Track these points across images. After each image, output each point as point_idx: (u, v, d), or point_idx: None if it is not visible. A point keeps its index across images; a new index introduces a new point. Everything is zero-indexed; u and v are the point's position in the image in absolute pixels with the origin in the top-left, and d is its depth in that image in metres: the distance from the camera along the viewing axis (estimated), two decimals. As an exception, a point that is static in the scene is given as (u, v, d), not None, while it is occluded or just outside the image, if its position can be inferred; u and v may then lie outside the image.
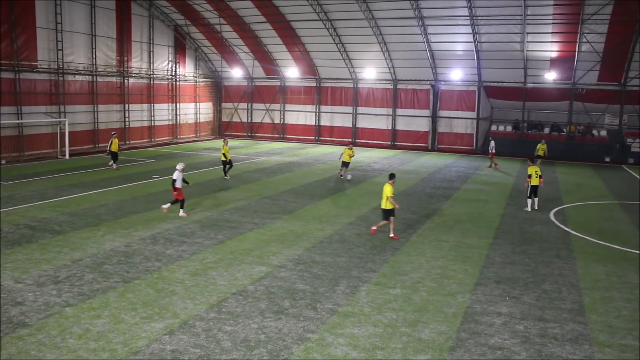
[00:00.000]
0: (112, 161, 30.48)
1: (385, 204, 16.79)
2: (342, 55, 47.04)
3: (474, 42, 42.25)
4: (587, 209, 23.07)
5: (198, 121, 52.12)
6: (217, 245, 15.58)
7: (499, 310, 11.46)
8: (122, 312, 10.72)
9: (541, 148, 35.93)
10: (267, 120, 53.66)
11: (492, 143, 36.43)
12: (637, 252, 16.45)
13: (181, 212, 19.37)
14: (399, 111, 48.72)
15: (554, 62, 42.61)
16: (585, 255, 15.94)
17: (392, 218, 16.86)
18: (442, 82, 46.72)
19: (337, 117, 51.03)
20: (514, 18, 39.12)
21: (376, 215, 20.25)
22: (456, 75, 44.42)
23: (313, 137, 51.59)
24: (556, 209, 22.63)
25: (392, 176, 17.48)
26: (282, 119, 53.03)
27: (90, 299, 11.38)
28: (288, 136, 52.55)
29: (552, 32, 40.51)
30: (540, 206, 22.57)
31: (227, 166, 28.27)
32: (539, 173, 22.00)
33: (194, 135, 51.29)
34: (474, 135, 46.52)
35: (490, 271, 14.02)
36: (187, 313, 10.76)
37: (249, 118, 54.22)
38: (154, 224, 17.93)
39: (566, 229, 19.17)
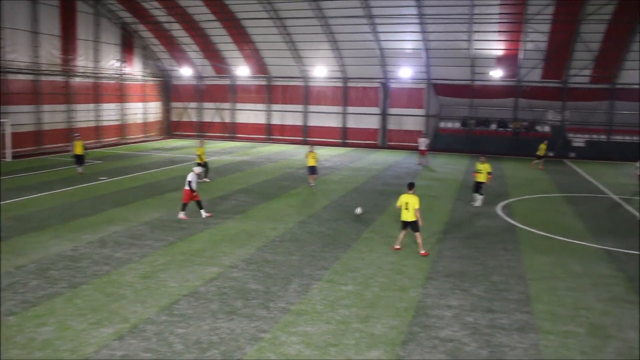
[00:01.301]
0: (77, 165, 28.37)
1: (410, 216, 15.21)
2: (292, 53, 47.03)
3: (423, 40, 42.92)
4: (532, 203, 23.77)
5: (146, 121, 51.16)
6: (168, 247, 15.36)
7: (449, 303, 11.70)
8: (69, 319, 10.45)
9: (542, 148, 36.51)
10: (217, 119, 53.16)
11: (424, 140, 36.49)
12: (580, 242, 17.05)
13: (181, 214, 19.01)
14: (350, 109, 49.07)
15: (499, 60, 43.68)
16: (530, 247, 16.43)
17: (418, 233, 15.40)
18: (392, 80, 47.27)
19: (288, 115, 50.99)
20: (461, 17, 39.92)
21: (328, 212, 20.39)
22: (405, 73, 45.00)
23: (264, 136, 51.41)
24: (503, 203, 23.23)
25: (412, 185, 15.76)
26: (232, 118, 52.64)
27: (35, 306, 11.04)
28: (239, 135, 52.20)
29: (498, 32, 41.54)
30: (487, 201, 23.10)
31: (204, 168, 26.77)
32: (488, 170, 22.39)
33: (142, 135, 50.32)
34: (423, 133, 47.23)
35: (440, 265, 14.30)
36: (137, 317, 10.57)
37: (199, 117, 53.60)
38: (102, 226, 17.54)
39: (512, 222, 19.71)
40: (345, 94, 48.96)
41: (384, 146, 47.86)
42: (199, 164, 26.32)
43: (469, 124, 47.21)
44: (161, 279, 12.72)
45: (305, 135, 50.21)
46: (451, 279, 13.26)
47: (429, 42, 43.17)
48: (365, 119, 48.66)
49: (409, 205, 15.14)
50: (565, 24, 39.58)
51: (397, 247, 15.69)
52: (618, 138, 44.76)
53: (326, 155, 40.04)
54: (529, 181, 29.94)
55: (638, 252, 16.11)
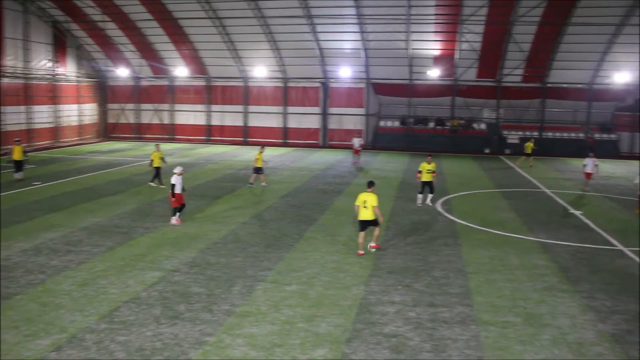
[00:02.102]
0: (16, 171, 26.61)
1: (369, 215, 15.03)
2: (231, 53, 46.64)
3: (362, 40, 43.39)
4: (471, 198, 24.42)
5: (82, 123, 49.58)
6: (107, 253, 14.96)
7: (392, 299, 11.88)
8: (2, 332, 10.00)
9: (530, 146, 37.09)
10: (155, 121, 52.13)
11: (358, 140, 36.41)
12: (516, 236, 17.65)
13: (174, 220, 18.51)
14: (290, 109, 49.10)
15: (436, 60, 44.66)
16: (470, 241, 16.88)
17: (377, 228, 15.42)
18: (332, 80, 47.58)
19: (227, 116, 50.55)
20: (399, 18, 40.58)
21: (271, 213, 20.34)
22: (345, 73, 45.40)
23: (204, 137, 50.79)
24: (442, 199, 23.77)
25: (371, 184, 15.54)
26: (171, 119, 51.74)
27: (-35, 318, 10.55)
28: (178, 137, 51.36)
29: (435, 32, 42.47)
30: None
31: (158, 173, 25.83)
32: (431, 169, 22.53)
33: (77, 138, 48.72)
34: (364, 132, 47.77)
35: (383, 262, 14.49)
36: (75, 326, 10.24)
37: (137, 119, 52.41)
38: (37, 233, 16.90)
39: (452, 218, 20.20)
40: (285, 94, 48.95)
41: (325, 146, 48.12)
42: (156, 169, 25.67)
43: (408, 123, 48.03)
44: (100, 285, 12.38)
45: (246, 135, 49.93)
46: (393, 275, 13.47)
47: (368, 42, 43.69)
48: (305, 118, 48.81)
49: (367, 204, 14.98)
50: (498, 25, 40.85)
51: (361, 252, 15.19)
52: (550, 135, 46.54)
53: (267, 155, 39.87)
54: (466, 178, 30.74)
55: (569, 244, 16.83)
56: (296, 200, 23.04)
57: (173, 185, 18.23)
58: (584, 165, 27.08)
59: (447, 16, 41.02)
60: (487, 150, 45.66)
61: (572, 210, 22.13)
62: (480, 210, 21.71)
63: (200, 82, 50.52)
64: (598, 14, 38.97)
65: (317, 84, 48.09)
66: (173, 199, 18.33)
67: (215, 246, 15.77)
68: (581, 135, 46.50)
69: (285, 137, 49.23)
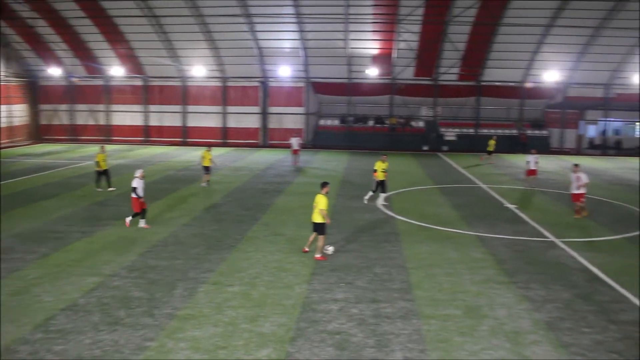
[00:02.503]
0: None
1: (317, 217, 14.81)
2: (169, 52, 45.86)
3: (301, 40, 43.49)
4: (410, 195, 24.87)
5: (11, 125, 47.55)
6: (41, 259, 14.41)
7: (335, 296, 11.95)
8: None
9: (492, 144, 37.69)
10: (91, 122, 50.65)
11: (296, 140, 35.84)
12: (455, 230, 18.09)
13: (142, 224, 17.90)
14: (230, 108, 48.70)
15: (375, 59, 45.26)
16: (410, 237, 17.18)
17: (320, 236, 14.83)
18: (271, 79, 47.47)
19: (166, 116, 49.67)
20: (338, 17, 40.89)
21: (212, 214, 20.10)
22: (284, 72, 45.36)
23: (142, 138, 49.72)
24: (383, 196, 24.05)
25: (324, 185, 15.22)
26: (107, 120, 50.38)
27: None
28: (115, 138, 50.07)
29: (373, 31, 43.02)
30: (365, 195, 23.85)
31: (103, 177, 24.69)
32: (386, 168, 22.72)
33: (7, 140, 46.66)
34: (304, 130, 47.91)
35: (325, 260, 14.56)
36: (8, 338, 9.81)
37: (71, 120, 50.75)
38: (-36, 241, 16.11)
39: (392, 214, 20.51)
40: (224, 94, 48.51)
41: (265, 145, 47.99)
42: (98, 172, 24.66)
43: (347, 121, 48.45)
44: (35, 294, 11.91)
45: (185, 136, 49.20)
46: (336, 273, 13.56)
47: (307, 42, 43.83)
48: (245, 118, 48.53)
49: (316, 205, 14.81)
50: (434, 24, 41.76)
51: (306, 249, 15.21)
52: (485, 131, 47.90)
53: (208, 155, 39.42)
54: (406, 175, 31.27)
55: (505, 236, 17.39)
56: (237, 200, 22.87)
57: (134, 189, 17.73)
58: (527, 162, 27.45)
59: (385, 16, 41.64)
60: (425, 148, 46.61)
61: (507, 205, 22.87)
62: (419, 207, 22.13)
63: (137, 82, 49.41)
64: (528, 15, 40.47)
65: (257, 83, 47.89)
66: (140, 200, 17.84)
67: (156, 249, 15.45)
68: (514, 131, 48.09)
69: (225, 136, 48.79)
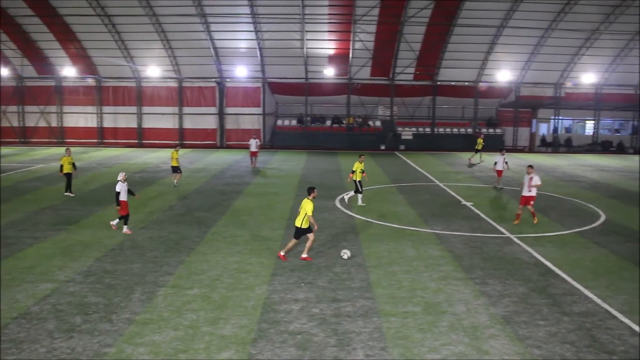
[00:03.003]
0: None
1: (302, 222, 14.44)
2: (123, 52, 45.05)
3: (257, 40, 43.32)
4: (369, 194, 25.01)
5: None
6: (-9, 266, 13.95)
7: (295, 297, 11.95)
8: None
9: (480, 142, 37.98)
10: (42, 123, 49.29)
11: (255, 141, 35.09)
12: (413, 228, 18.31)
13: (125, 229, 17.34)
14: (186, 109, 48.19)
15: (331, 59, 45.44)
16: (369, 236, 17.31)
17: (310, 235, 14.60)
18: (228, 79, 47.15)
19: (120, 117, 48.78)
20: (294, 17, 40.88)
21: (169, 216, 19.83)
22: (241, 72, 45.13)
23: (96, 140, 48.69)
24: (341, 196, 24.21)
25: (311, 190, 14.93)
26: (60, 122, 49.12)
27: None
28: (68, 140, 48.89)
29: (329, 31, 43.19)
30: (325, 194, 23.97)
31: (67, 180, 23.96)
32: (362, 168, 22.78)
33: (-48, 144, 45.09)
34: (261, 131, 47.76)
35: (284, 261, 14.54)
36: (-42, 346, 9.49)
37: (21, 122, 49.28)
38: None
39: (351, 213, 20.62)
40: (180, 94, 47.92)
41: (222, 146, 47.64)
42: (67, 175, 23.75)
43: (305, 121, 48.51)
44: (-15, 301, 11.53)
45: (141, 138, 48.42)
46: (296, 273, 13.56)
47: (263, 42, 43.71)
48: (202, 119, 48.07)
49: (301, 210, 14.54)
50: (390, 25, 42.17)
51: (282, 254, 14.83)
52: (441, 130, 48.65)
53: (164, 157, 38.91)
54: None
55: (462, 233, 17.70)
56: (195, 202, 22.63)
57: (118, 193, 17.27)
58: (495, 163, 27.47)
59: (341, 16, 41.86)
60: (382, 147, 47.03)
61: (464, 202, 23.28)
62: (377, 205, 22.32)
63: (90, 83, 48.35)
64: (481, 16, 41.29)
65: (213, 84, 47.47)
66: (118, 207, 17.35)
67: (112, 253, 15.15)
68: (469, 130, 48.97)
69: (182, 138, 48.20)
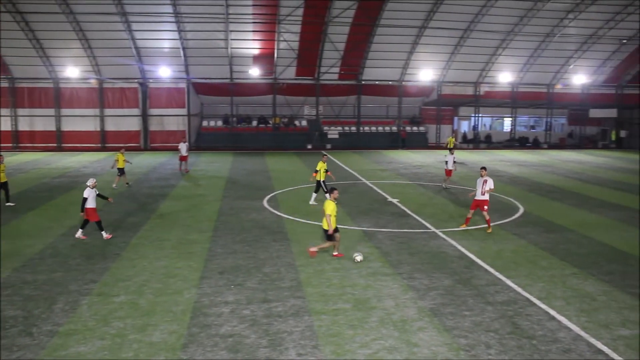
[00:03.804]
0: None
1: (324, 223, 14.66)
2: (38, 52, 43.11)
3: (181, 39, 42.56)
4: (296, 193, 25.12)
5: None
6: None
7: (225, 299, 11.83)
8: None
9: (451, 141, 37.97)
10: (-50, 128, 46.49)
11: (185, 145, 33.25)
12: (341, 226, 18.45)
13: (104, 234, 16.60)
14: (108, 111, 46.69)
15: (256, 59, 45.23)
16: (298, 235, 17.36)
17: (337, 236, 14.67)
18: (151, 80, 46.06)
19: (37, 120, 46.67)
20: (218, 16, 40.41)
21: (92, 223, 19.13)
22: (164, 72, 44.21)
23: (11, 145, 46.34)
24: (269, 196, 24.16)
25: (331, 191, 14.88)
26: (-31, 126, 46.51)
27: None
28: (-21, 145, 46.34)
29: (253, 31, 42.97)
30: (252, 195, 23.87)
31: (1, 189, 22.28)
32: (326, 168, 22.70)
33: None
34: (187, 132, 46.96)
35: (213, 263, 14.37)
36: None
37: None
38: None
39: (279, 213, 20.61)
40: (101, 96, 46.37)
41: (147, 148, 46.48)
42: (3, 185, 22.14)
43: (230, 122, 48.08)
44: None
45: (60, 141, 46.51)
46: (225, 275, 13.42)
47: (187, 41, 43.00)
48: (124, 121, 46.72)
49: (324, 211, 14.55)
50: (314, 25, 42.43)
51: (335, 253, 14.97)
52: (366, 129, 49.40)
53: (85, 161, 37.59)
54: (291, 174, 31.56)
55: (389, 230, 18.05)
56: (119, 206, 21.97)
57: (84, 199, 16.54)
58: (445, 162, 27.60)
59: (265, 16, 41.74)
60: (309, 146, 47.26)
61: (390, 199, 23.74)
62: (305, 205, 22.41)
63: (3, 84, 45.96)
64: (403, 17, 42.23)
65: (136, 85, 46.22)
66: (82, 213, 16.69)
67: (32, 262, 14.48)
68: (394, 128, 49.99)
69: (104, 140, 46.67)
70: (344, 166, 35.17)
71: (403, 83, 49.36)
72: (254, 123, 48.64)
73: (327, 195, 15.06)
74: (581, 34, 47.03)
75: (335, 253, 15.00)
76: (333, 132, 48.73)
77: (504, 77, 49.84)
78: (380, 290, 12.45)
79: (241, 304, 11.59)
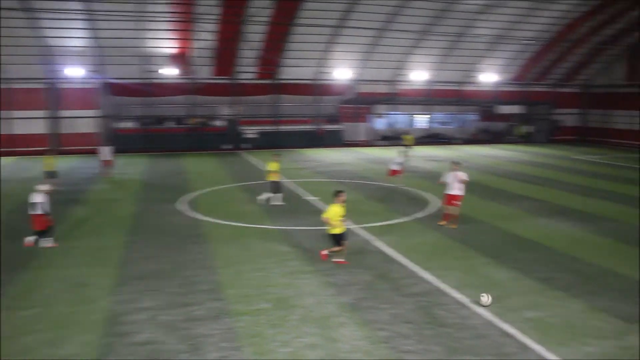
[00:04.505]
0: None
1: (333, 227, 14.11)
2: None
3: (93, 38, 41.02)
4: (213, 195, 24.79)
5: None
6: None
7: (143, 305, 11.50)
8: None
9: (407, 139, 38.49)
10: None
11: (107, 149, 31.60)
12: (260, 226, 18.42)
13: (48, 243, 15.68)
14: (15, 113, 44.12)
15: (173, 58, 44.29)
16: (217, 237, 17.13)
17: (337, 247, 14.28)
18: (61, 80, 44.08)
19: None
20: (132, 15, 39.20)
21: (-3, 231, 18.15)
22: (75, 72, 42.45)
23: None
24: (185, 197, 23.68)
25: (338, 193, 14.41)
26: None
27: None
28: None
29: (169, 30, 42.02)
30: (168, 197, 23.36)
31: None
32: (276, 169, 22.31)
33: None
34: (101, 134, 45.31)
35: (129, 269, 13.94)
36: None
37: None
38: None
39: (197, 215, 20.24)
40: (9, 97, 43.80)
41: (58, 152, 44.41)
42: None
43: (146, 123, 46.83)
44: None
45: (-40, 146, 43.62)
46: (142, 281, 13.04)
47: (100, 40, 41.45)
48: (32, 123, 44.34)
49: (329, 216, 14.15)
50: (231, 24, 42.04)
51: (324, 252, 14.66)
52: (286, 128, 49.37)
53: (-11, 166, 35.49)
54: (208, 175, 31.11)
55: (308, 228, 18.16)
56: (26, 213, 20.85)
57: (33, 204, 15.73)
58: (395, 163, 27.40)
59: (181, 14, 40.92)
60: (227, 147, 46.79)
61: (308, 197, 23.86)
62: (224, 206, 22.13)
63: None
64: (319, 17, 42.60)
65: (44, 85, 44.08)
66: (46, 217, 15.91)
67: None
68: (312, 127, 50.29)
69: (10, 145, 44.19)
70: (262, 166, 35.00)
71: (320, 82, 49.75)
72: (171, 124, 47.53)
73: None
74: (490, 34, 49.01)
75: (336, 259, 14.40)
76: (252, 132, 48.42)
77: (419, 75, 51.23)
78: (300, 288, 12.50)
79: (160, 309, 11.31)
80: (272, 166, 22.47)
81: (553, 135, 57.00)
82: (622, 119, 55.87)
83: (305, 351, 9.52)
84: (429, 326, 10.48)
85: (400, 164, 26.74)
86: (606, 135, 57.15)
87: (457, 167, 18.43)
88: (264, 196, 22.62)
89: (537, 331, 10.29)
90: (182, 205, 22.09)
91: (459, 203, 18.40)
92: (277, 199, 22.44)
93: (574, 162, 39.21)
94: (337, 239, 14.17)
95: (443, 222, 18.67)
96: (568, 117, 59.66)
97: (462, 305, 11.50)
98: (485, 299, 11.31)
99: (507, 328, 10.41)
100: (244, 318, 10.85)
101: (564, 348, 9.65)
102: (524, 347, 9.68)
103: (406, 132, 44.01)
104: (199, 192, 25.19)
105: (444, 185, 18.97)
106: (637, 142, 52.12)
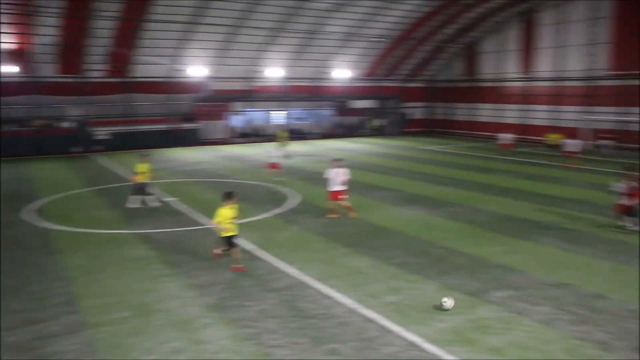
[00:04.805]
0: None
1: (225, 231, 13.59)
2: None
3: None
4: (63, 201, 23.19)
5: None
6: None
7: (-15, 326, 10.53)
8: None
9: (284, 135, 37.95)
10: None
11: None
12: (115, 231, 17.60)
13: None
14: None
15: (12, 55, 40.83)
16: (69, 246, 16.09)
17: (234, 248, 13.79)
18: None
19: None
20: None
21: None
22: None
23: None
24: (30, 206, 21.91)
25: (229, 195, 13.83)
26: None
27: None
28: None
29: (6, 23, 38.62)
30: (8, 207, 21.54)
31: None
32: (144, 170, 21.14)
33: None
34: None
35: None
36: None
37: None
38: None
39: (44, 225, 18.80)
40: None
41: None
42: None
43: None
44: None
45: None
46: (-15, 298, 11.93)
47: None
48: None
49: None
50: (77, 19, 39.63)
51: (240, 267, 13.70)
52: (141, 128, 47.46)
53: None
54: (56, 180, 29.06)
55: (167, 230, 17.67)
56: None
57: None
58: (270, 157, 28.07)
59: (20, 7, 37.77)
60: (76, 150, 44.10)
61: (168, 198, 23.17)
62: (75, 212, 20.79)
63: None
64: (172, 12, 41.46)
65: None
66: None
67: None
68: (167, 126, 48.87)
69: None
70: (115, 168, 33.40)
71: (175, 79, 48.48)
72: (12, 126, 43.72)
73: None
74: (341, 32, 50.59)
75: (234, 266, 13.74)
76: (105, 133, 45.96)
77: (275, 72, 51.68)
78: (161, 292, 12.15)
79: (4, 330, 10.37)
80: (141, 167, 21.50)
81: (403, 127, 60.24)
82: (462, 111, 60.56)
83: (170, 356, 9.26)
84: (295, 319, 10.65)
85: (278, 158, 28.17)
86: (450, 126, 61.50)
87: (338, 164, 19.51)
88: (136, 200, 21.52)
89: (397, 313, 10.86)
90: (28, 215, 20.42)
91: (344, 197, 19.37)
92: (152, 201, 21.70)
93: (423, 152, 41.78)
94: (229, 241, 13.81)
95: (333, 215, 19.26)
96: (417, 110, 63.41)
97: (325, 296, 11.82)
98: (448, 303, 11.08)
99: (369, 313, 10.87)
100: (102, 329, 10.31)
101: (421, 326, 10.27)
102: (385, 330, 10.17)
103: (281, 129, 44.21)
104: (47, 200, 23.45)
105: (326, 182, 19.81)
106: (477, 132, 56.69)
